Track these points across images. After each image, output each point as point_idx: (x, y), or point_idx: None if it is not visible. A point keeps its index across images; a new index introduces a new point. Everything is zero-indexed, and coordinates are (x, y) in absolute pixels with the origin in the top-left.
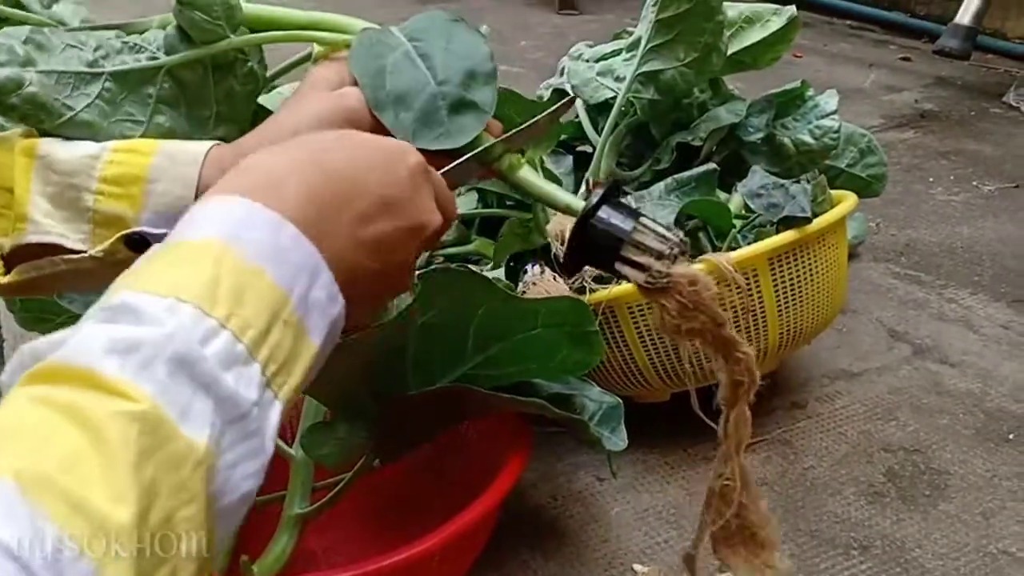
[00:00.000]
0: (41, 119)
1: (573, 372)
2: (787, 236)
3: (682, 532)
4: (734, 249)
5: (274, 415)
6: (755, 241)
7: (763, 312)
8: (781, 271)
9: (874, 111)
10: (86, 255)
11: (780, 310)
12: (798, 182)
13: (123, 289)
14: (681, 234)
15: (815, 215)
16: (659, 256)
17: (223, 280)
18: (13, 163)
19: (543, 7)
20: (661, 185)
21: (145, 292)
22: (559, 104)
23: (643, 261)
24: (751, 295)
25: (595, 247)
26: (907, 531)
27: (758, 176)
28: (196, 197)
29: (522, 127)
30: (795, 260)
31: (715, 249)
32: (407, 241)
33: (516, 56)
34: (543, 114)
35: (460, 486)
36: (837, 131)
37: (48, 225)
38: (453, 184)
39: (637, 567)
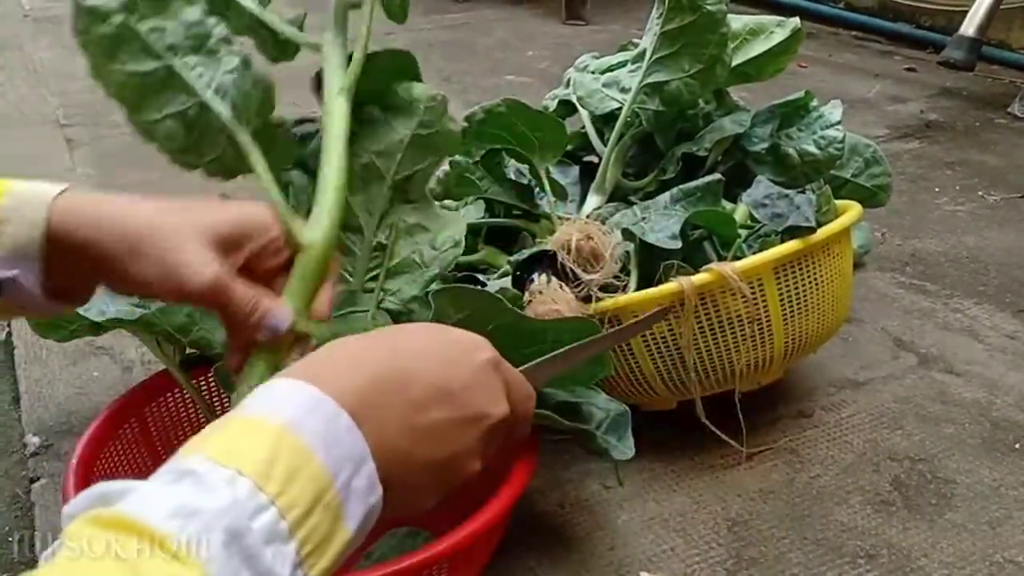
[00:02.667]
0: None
1: (582, 384)
2: (792, 246)
3: (689, 540)
4: (739, 259)
5: None
6: (760, 251)
7: (768, 321)
8: (786, 280)
9: (879, 121)
10: None
11: (785, 319)
12: (803, 192)
13: (192, 453)
14: None
15: (820, 225)
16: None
17: (280, 460)
18: None
19: (550, 17)
20: (667, 195)
21: (210, 460)
22: (654, 313)
23: None
24: (756, 304)
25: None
26: (913, 540)
27: (763, 186)
28: (47, 239)
29: (619, 329)
30: (800, 269)
31: (720, 259)
32: (464, 431)
33: (522, 66)
34: (642, 318)
35: (467, 494)
36: (842, 141)
37: None
38: (535, 382)
39: (644, 575)
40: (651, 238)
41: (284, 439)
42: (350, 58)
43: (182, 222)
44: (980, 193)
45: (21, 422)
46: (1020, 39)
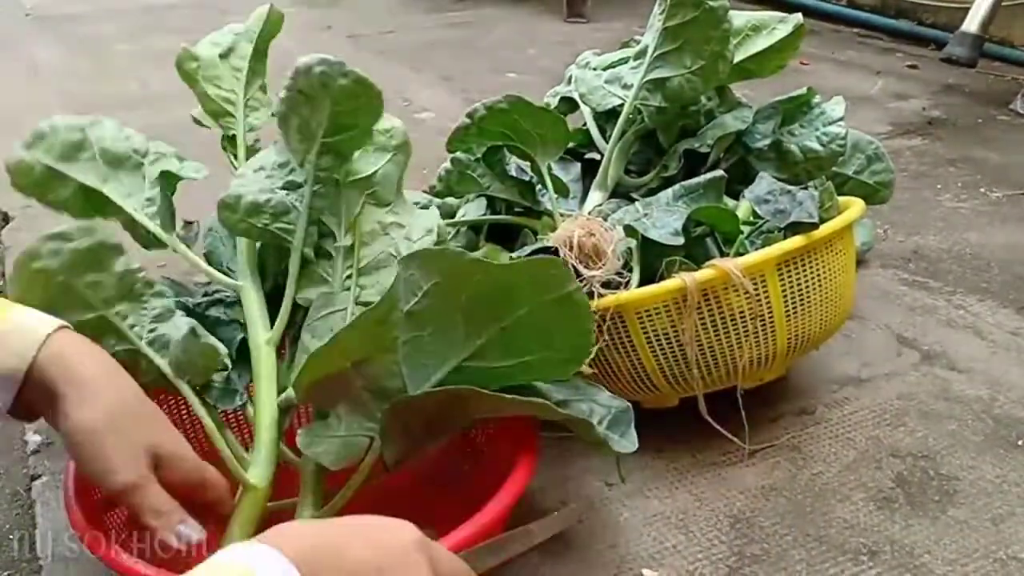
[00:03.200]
0: None
1: (573, 359)
2: (795, 242)
3: (691, 537)
4: (742, 255)
5: None
6: (763, 247)
7: (771, 318)
8: (789, 277)
9: (882, 118)
10: None
11: (788, 316)
12: (805, 188)
13: None
14: None
15: (822, 221)
16: None
17: None
18: None
19: (551, 15)
20: (669, 192)
21: None
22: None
23: None
24: (759, 301)
25: None
26: (916, 537)
27: (765, 182)
28: (28, 373)
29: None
30: (803, 266)
31: (723, 255)
32: None
33: (524, 64)
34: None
35: (468, 492)
36: (844, 138)
37: None
38: (472, 563)
39: (646, 572)
40: (653, 234)
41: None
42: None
43: (136, 428)
44: (982, 190)
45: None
46: (1022, 36)
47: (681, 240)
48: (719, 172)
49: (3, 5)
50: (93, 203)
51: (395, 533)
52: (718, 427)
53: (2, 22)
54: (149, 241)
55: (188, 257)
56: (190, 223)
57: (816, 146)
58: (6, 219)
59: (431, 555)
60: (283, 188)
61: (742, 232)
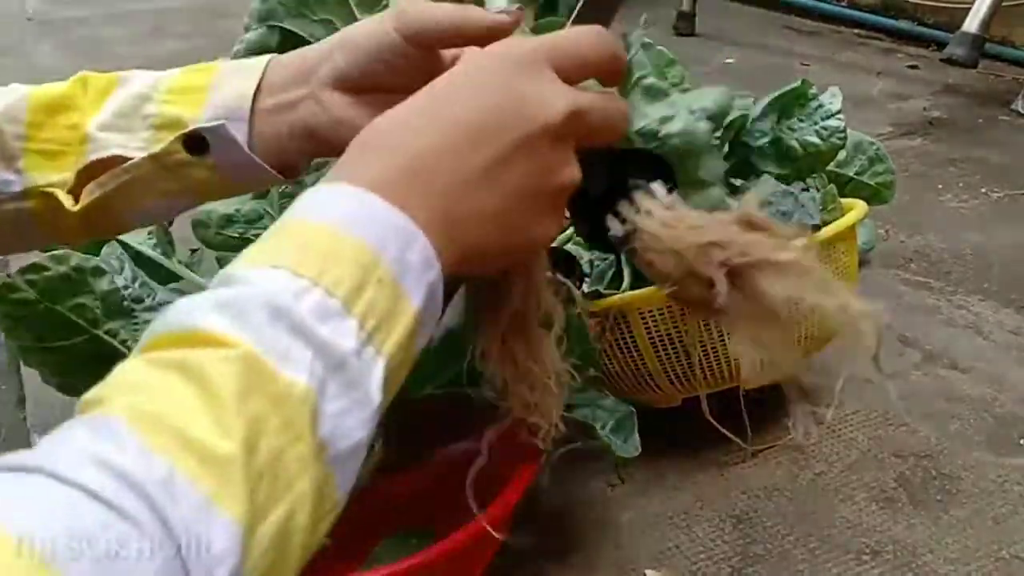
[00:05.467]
0: None
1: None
2: None
3: (693, 537)
4: None
5: (378, 370)
6: None
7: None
8: None
9: (882, 119)
10: (145, 157)
11: (790, 317)
12: (807, 190)
13: (226, 269)
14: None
15: (825, 223)
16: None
17: (313, 244)
18: (83, 100)
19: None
20: None
21: (243, 265)
22: None
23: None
24: None
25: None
26: (918, 536)
27: (768, 184)
28: (254, 101)
29: None
30: None
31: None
32: (524, 155)
33: None
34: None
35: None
36: (843, 131)
37: (106, 139)
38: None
39: (649, 572)
40: None
41: (314, 228)
42: None
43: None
44: (983, 190)
45: (26, 423)
46: (1023, 36)
47: None
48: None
49: (4, 9)
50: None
51: (503, 65)
52: (721, 428)
53: (4, 26)
54: (153, 271)
55: (192, 279)
56: (195, 250)
57: (816, 140)
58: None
59: (556, 65)
60: (253, 197)
61: None
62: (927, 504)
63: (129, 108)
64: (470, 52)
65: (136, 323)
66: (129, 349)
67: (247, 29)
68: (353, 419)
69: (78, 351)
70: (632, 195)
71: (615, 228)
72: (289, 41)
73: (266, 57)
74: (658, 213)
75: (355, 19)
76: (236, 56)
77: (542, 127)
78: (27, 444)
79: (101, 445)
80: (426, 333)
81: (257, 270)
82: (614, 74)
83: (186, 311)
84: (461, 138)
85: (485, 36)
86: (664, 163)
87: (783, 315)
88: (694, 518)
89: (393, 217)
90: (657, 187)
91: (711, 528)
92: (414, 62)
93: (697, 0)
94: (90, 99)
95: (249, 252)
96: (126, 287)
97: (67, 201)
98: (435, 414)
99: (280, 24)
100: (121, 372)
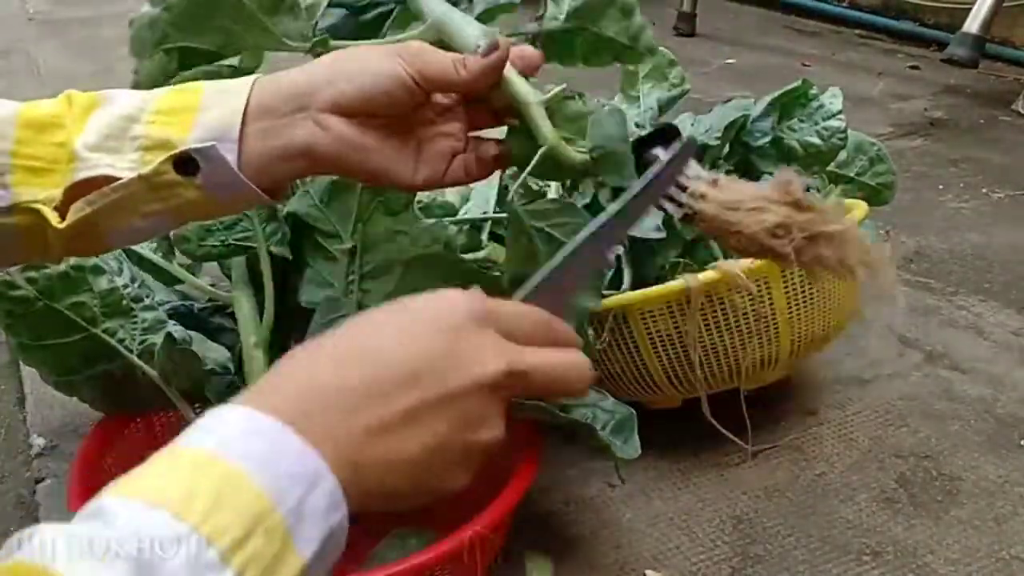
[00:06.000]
0: None
1: None
2: None
3: (694, 538)
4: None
5: None
6: None
7: (775, 319)
8: (793, 279)
9: (883, 119)
10: (135, 177)
11: (792, 317)
12: (808, 190)
13: (104, 495)
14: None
15: None
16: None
17: (202, 486)
18: (68, 118)
19: None
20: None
21: (121, 497)
22: (675, 154)
23: (676, 196)
24: (763, 302)
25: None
26: (919, 537)
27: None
28: (243, 123)
29: (635, 193)
30: None
31: (726, 257)
32: (452, 405)
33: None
34: (657, 168)
35: (471, 492)
36: (844, 131)
37: (95, 158)
38: (552, 304)
39: (649, 573)
40: (635, 232)
41: (208, 465)
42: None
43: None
44: (984, 190)
45: (26, 423)
46: (1023, 36)
47: (663, 234)
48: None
49: (5, 9)
50: None
51: (437, 316)
52: (721, 428)
53: (5, 26)
54: (157, 275)
55: (192, 282)
56: None
57: (816, 140)
58: None
59: (501, 327)
60: None
61: None
62: (928, 505)
63: (117, 129)
64: (412, 301)
65: (135, 322)
66: (127, 348)
67: (138, 57)
68: None
69: (76, 349)
70: (675, 178)
71: (673, 211)
72: (189, 58)
73: (251, 78)
74: (712, 195)
75: (256, 21)
76: (135, 87)
77: (473, 382)
78: (26, 445)
79: None
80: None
81: (129, 504)
82: (551, 347)
83: (40, 544)
84: (388, 380)
85: (480, 80)
86: (673, 129)
87: (838, 267)
88: (694, 518)
89: (301, 456)
90: (695, 166)
91: (711, 528)
92: (414, 98)
93: (698, 0)
94: (74, 117)
95: (137, 474)
96: (125, 286)
97: (53, 218)
98: None
99: (176, 45)
100: None
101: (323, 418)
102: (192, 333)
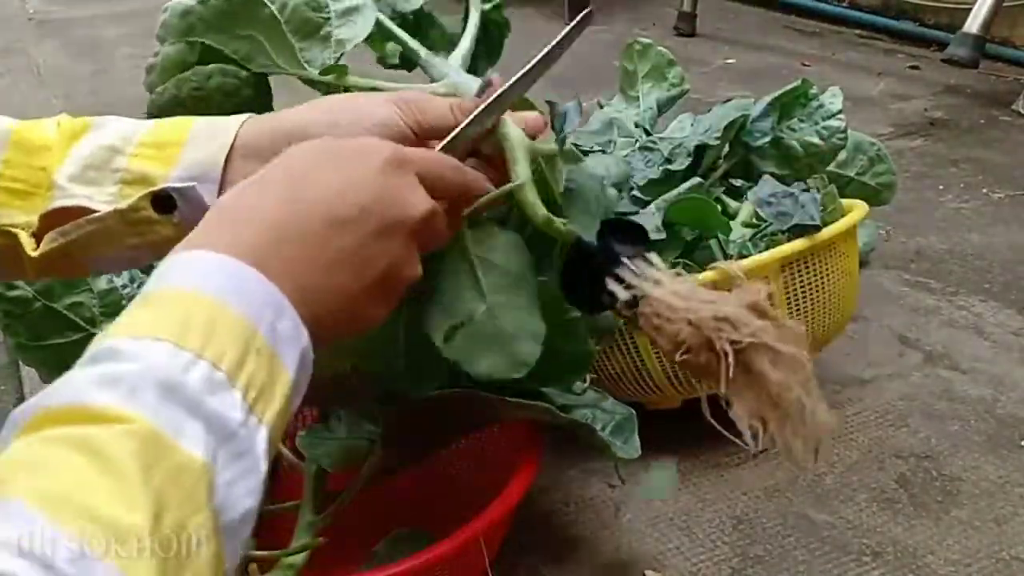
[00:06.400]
0: None
1: (575, 369)
2: (798, 244)
3: (694, 538)
4: (745, 257)
5: (261, 438)
6: (766, 249)
7: None
8: (792, 279)
9: (883, 119)
10: (111, 211)
11: (792, 317)
12: (808, 190)
13: (103, 339)
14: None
15: (826, 224)
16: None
17: (194, 318)
18: (53, 142)
19: (553, 17)
20: (652, 207)
21: (123, 336)
22: (570, 28)
23: (630, 280)
24: None
25: (586, 267)
26: (919, 537)
27: (768, 185)
28: (226, 161)
29: (531, 64)
30: (806, 268)
31: (726, 258)
32: (382, 245)
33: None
34: (552, 43)
35: (471, 493)
36: (844, 131)
37: (73, 189)
38: (457, 151)
39: (649, 573)
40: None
41: (192, 300)
42: None
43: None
44: (984, 190)
45: None
46: None
47: (663, 235)
48: (696, 180)
49: (5, 9)
50: None
51: (364, 159)
52: (721, 429)
53: (4, 26)
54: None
55: None
56: None
57: (816, 140)
58: None
59: (418, 169)
60: None
61: (727, 224)
62: (928, 505)
63: (99, 160)
64: (338, 137)
65: None
66: None
67: (161, 42)
68: (242, 488)
69: (75, 349)
70: (627, 263)
71: (620, 293)
72: (208, 56)
73: (241, 117)
74: (668, 282)
75: (286, 42)
76: (150, 71)
77: (402, 223)
78: None
79: (7, 530)
80: (298, 399)
81: (140, 342)
82: (463, 202)
83: (69, 390)
84: (327, 219)
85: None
86: (640, 229)
87: (775, 397)
88: (694, 519)
89: (264, 287)
90: (655, 257)
91: (711, 529)
92: (408, 144)
93: (698, 0)
94: (60, 142)
95: (127, 320)
96: (124, 286)
97: (28, 245)
98: (435, 414)
99: (200, 40)
100: (14, 452)
101: (278, 253)
102: None
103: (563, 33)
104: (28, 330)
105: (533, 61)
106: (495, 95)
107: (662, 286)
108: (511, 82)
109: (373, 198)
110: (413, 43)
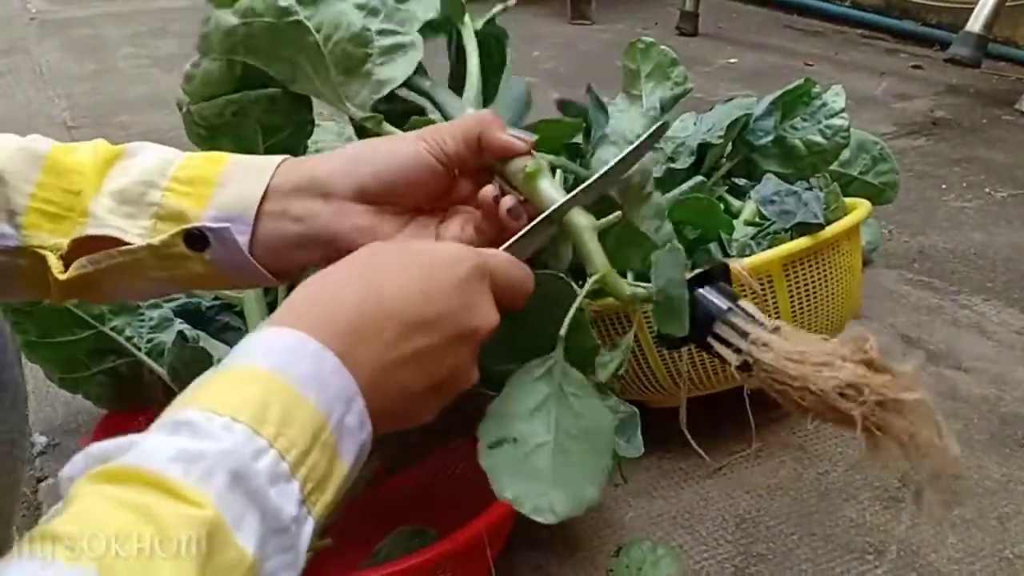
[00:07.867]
0: None
1: (581, 362)
2: (801, 243)
3: (696, 537)
4: (748, 256)
5: (307, 531)
6: (769, 248)
7: (777, 318)
8: (795, 277)
9: (886, 119)
10: (143, 245)
11: (794, 316)
12: (811, 189)
13: (184, 407)
14: (773, 322)
15: (829, 222)
16: (745, 336)
17: (273, 404)
18: (89, 167)
19: (555, 17)
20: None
21: (204, 411)
22: (648, 134)
23: (734, 341)
24: (765, 301)
25: (691, 321)
26: (922, 536)
27: (771, 183)
28: (261, 203)
29: (605, 169)
30: (809, 266)
31: (727, 257)
32: (450, 352)
33: (528, 66)
34: (629, 149)
35: (474, 490)
36: (847, 130)
37: (108, 219)
38: (523, 254)
39: None
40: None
41: (274, 384)
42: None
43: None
44: (987, 190)
45: (28, 421)
46: None
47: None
48: (699, 178)
49: (7, 9)
50: None
51: (448, 269)
52: (723, 428)
53: (6, 26)
54: None
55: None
56: None
57: (819, 139)
58: None
59: (495, 281)
60: None
61: (729, 222)
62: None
63: (134, 194)
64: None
65: (142, 320)
66: (135, 346)
67: (201, 53)
68: None
69: (83, 346)
70: (728, 319)
71: (730, 358)
72: (250, 77)
73: (276, 159)
74: (776, 345)
75: (328, 76)
76: (190, 80)
77: (475, 332)
78: (27, 442)
79: None
80: (347, 487)
81: (216, 419)
82: (518, 305)
83: (147, 452)
84: (408, 318)
85: (498, 155)
86: (718, 267)
87: (908, 444)
88: (697, 517)
89: (341, 379)
90: (750, 306)
91: (714, 527)
92: (439, 179)
93: (700, 0)
94: (96, 167)
95: (208, 391)
96: None
97: (56, 267)
98: (439, 413)
99: (243, 59)
100: (82, 505)
101: (358, 344)
102: (198, 332)
103: (634, 144)
104: (37, 327)
105: (602, 170)
106: (556, 205)
107: (771, 350)
108: (574, 192)
109: (453, 306)
110: (426, 86)
